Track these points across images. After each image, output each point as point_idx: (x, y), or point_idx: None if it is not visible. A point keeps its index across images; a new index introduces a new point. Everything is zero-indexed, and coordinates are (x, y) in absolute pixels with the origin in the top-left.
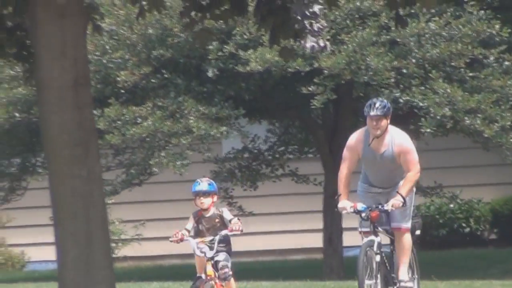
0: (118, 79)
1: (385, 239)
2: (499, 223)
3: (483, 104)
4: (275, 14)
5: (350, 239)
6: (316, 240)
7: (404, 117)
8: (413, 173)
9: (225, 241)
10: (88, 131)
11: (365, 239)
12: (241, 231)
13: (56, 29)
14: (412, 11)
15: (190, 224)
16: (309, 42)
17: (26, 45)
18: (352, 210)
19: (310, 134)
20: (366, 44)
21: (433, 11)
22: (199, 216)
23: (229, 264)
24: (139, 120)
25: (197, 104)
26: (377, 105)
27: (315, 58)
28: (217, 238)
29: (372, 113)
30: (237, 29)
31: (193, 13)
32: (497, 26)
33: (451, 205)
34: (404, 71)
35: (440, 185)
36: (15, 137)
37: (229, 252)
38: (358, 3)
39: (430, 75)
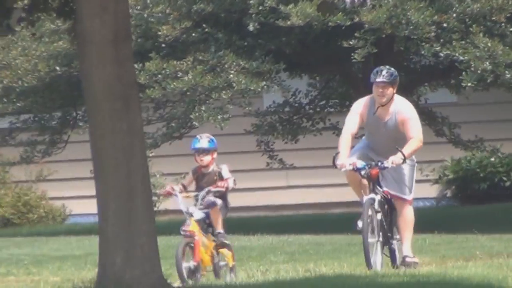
0: (159, 33)
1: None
2: None
3: None
4: None
5: None
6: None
7: (444, 71)
8: (416, 139)
9: (220, 197)
10: (129, 85)
11: (365, 197)
12: (227, 188)
13: None
14: None
15: (187, 180)
16: None
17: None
18: (351, 167)
19: (351, 88)
20: None
21: None
22: (198, 173)
23: (218, 202)
24: (180, 74)
25: (237, 59)
26: (384, 72)
27: (356, 13)
28: (201, 193)
29: (378, 80)
30: None
31: None
32: None
33: (492, 159)
34: (445, 25)
35: (481, 139)
36: (56, 91)
37: (225, 209)
38: None
39: (470, 29)
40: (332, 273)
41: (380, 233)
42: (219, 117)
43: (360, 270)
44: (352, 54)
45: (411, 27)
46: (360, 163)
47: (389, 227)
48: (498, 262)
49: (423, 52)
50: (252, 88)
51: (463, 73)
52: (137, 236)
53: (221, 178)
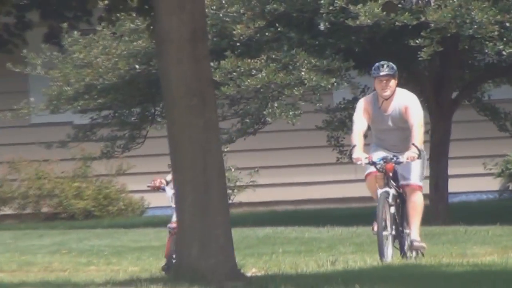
0: (234, 32)
1: None
2: None
3: None
4: None
5: (455, 185)
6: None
7: (507, 69)
8: (417, 125)
9: None
10: (205, 82)
11: (380, 191)
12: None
13: None
14: None
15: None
16: None
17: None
18: (367, 161)
19: (417, 85)
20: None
21: None
22: None
23: None
24: (254, 72)
25: (309, 57)
26: (384, 66)
27: (422, 12)
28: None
29: (382, 73)
30: None
31: None
32: None
33: None
34: (507, 24)
35: None
36: (135, 88)
37: None
38: None
39: None
40: (399, 263)
41: (393, 227)
42: (291, 113)
43: (425, 260)
44: (419, 52)
45: (475, 26)
46: (376, 157)
47: (400, 221)
48: None
49: (486, 51)
50: (322, 85)
51: None
52: (212, 228)
53: None
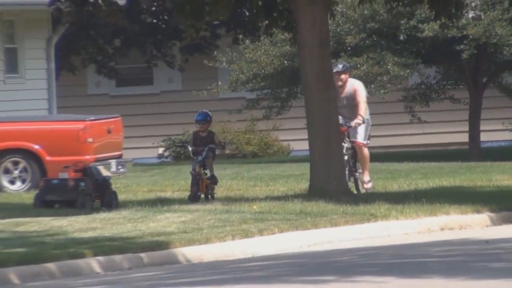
0: (346, 41)
1: None
2: None
3: None
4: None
5: (484, 136)
6: (462, 137)
7: None
8: (361, 102)
9: (212, 150)
10: (328, 73)
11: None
12: (223, 147)
13: (309, 11)
14: None
15: (190, 138)
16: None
17: (290, 20)
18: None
19: (461, 74)
20: (494, 20)
21: None
22: (197, 136)
23: (210, 155)
24: (358, 65)
25: (393, 56)
26: (338, 66)
27: (464, 28)
28: (206, 148)
29: (335, 71)
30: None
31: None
32: None
33: None
34: None
35: None
36: (284, 76)
37: (213, 157)
38: None
39: None
40: (450, 185)
41: (347, 168)
42: (381, 91)
43: (467, 183)
44: (462, 53)
45: (498, 37)
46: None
47: (354, 164)
48: None
49: (504, 53)
50: (401, 74)
51: None
52: (332, 163)
53: (212, 140)
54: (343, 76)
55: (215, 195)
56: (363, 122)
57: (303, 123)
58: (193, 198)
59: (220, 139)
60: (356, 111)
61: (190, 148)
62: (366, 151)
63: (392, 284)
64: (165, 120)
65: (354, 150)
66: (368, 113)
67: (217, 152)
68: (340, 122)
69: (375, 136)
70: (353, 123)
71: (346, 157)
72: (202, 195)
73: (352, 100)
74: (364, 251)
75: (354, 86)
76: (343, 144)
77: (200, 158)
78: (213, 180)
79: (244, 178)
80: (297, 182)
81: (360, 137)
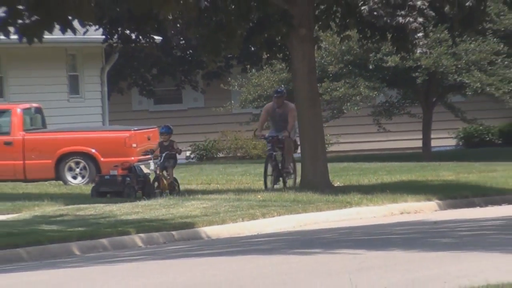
0: (329, 70)
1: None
2: None
3: None
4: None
5: (434, 143)
6: (417, 143)
7: (459, 87)
8: (291, 123)
9: (172, 156)
10: (315, 93)
11: (268, 152)
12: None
13: (300, 47)
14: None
15: (156, 147)
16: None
17: (286, 54)
18: (263, 137)
19: (416, 95)
20: (441, 54)
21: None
22: (162, 144)
23: (172, 171)
24: (337, 88)
25: (364, 81)
26: (278, 90)
27: (418, 60)
28: (163, 154)
29: (275, 95)
30: (383, 46)
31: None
32: None
33: None
34: (459, 66)
35: None
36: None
37: (174, 163)
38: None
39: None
40: (408, 179)
41: (275, 171)
42: (355, 108)
43: (421, 178)
44: (417, 79)
45: (444, 67)
46: (269, 134)
47: (282, 166)
48: None
49: (449, 78)
50: (370, 94)
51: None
52: (318, 163)
53: (172, 148)
54: (280, 100)
55: (174, 191)
56: (289, 136)
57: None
58: (153, 194)
59: (177, 147)
60: (285, 126)
61: (152, 155)
62: (292, 145)
63: (364, 255)
64: (191, 130)
65: (283, 156)
66: (296, 129)
67: (178, 157)
68: (273, 134)
69: (351, 142)
70: (282, 135)
71: (274, 163)
72: (167, 191)
73: (285, 117)
74: (342, 230)
75: (290, 107)
76: (273, 152)
77: (159, 162)
78: (172, 185)
79: (251, 174)
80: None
81: (289, 147)
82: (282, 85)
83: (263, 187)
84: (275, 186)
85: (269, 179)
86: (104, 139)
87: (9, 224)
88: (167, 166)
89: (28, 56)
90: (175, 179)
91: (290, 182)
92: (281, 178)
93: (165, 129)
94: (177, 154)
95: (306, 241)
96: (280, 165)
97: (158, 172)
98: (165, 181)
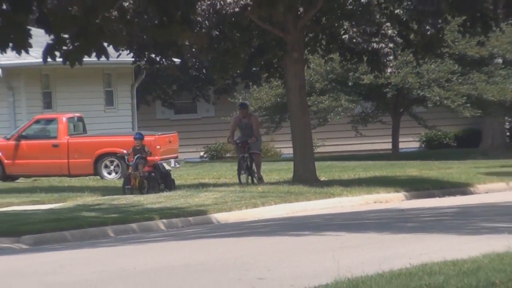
0: (316, 86)
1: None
2: None
3: None
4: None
5: (400, 145)
6: (387, 146)
7: (421, 100)
8: (256, 130)
9: (144, 158)
10: (304, 105)
11: (240, 155)
12: (148, 155)
13: (293, 68)
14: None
15: (131, 151)
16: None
17: (281, 73)
18: (234, 142)
19: (386, 107)
20: (407, 73)
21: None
22: (135, 149)
23: (142, 169)
24: (322, 101)
25: (344, 96)
26: (242, 104)
27: (388, 78)
28: (136, 157)
29: (240, 108)
30: (360, 67)
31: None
32: None
33: None
34: (422, 83)
35: None
36: (277, 107)
37: (145, 163)
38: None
39: (433, 88)
40: (380, 175)
41: (247, 171)
42: (337, 117)
43: (391, 174)
44: (387, 94)
45: (409, 83)
46: (239, 140)
47: (251, 166)
48: None
49: (413, 93)
50: (350, 106)
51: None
52: (307, 161)
53: (143, 151)
54: (244, 111)
55: (143, 189)
56: (257, 140)
57: (289, 137)
58: (126, 190)
59: (148, 150)
60: (251, 133)
61: (126, 157)
62: (259, 158)
63: (344, 237)
64: (204, 135)
65: (251, 158)
66: (260, 135)
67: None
68: (242, 140)
69: (334, 145)
70: (250, 140)
71: (245, 164)
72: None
73: (250, 126)
74: (326, 216)
75: (254, 118)
76: (244, 154)
77: (131, 163)
78: (142, 184)
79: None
80: (285, 173)
81: (256, 149)
82: (247, 101)
83: (238, 181)
84: (244, 182)
85: (243, 177)
86: (134, 142)
87: (56, 211)
88: (138, 166)
89: (72, 74)
90: (172, 179)
91: (255, 180)
92: (250, 176)
93: (138, 135)
94: (146, 156)
95: (298, 225)
96: (249, 163)
97: (130, 171)
98: (136, 180)
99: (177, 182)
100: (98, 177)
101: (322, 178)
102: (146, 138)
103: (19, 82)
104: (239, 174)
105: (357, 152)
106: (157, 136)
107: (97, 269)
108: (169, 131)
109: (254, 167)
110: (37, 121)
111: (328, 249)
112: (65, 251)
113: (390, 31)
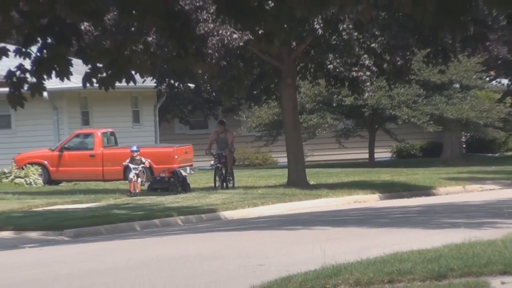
0: (306, 106)
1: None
2: None
3: None
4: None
5: (377, 155)
6: (365, 155)
7: (393, 118)
8: (230, 143)
9: (144, 167)
10: (297, 123)
11: (216, 165)
12: (146, 165)
13: (287, 91)
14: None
15: (129, 160)
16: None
17: (277, 96)
18: (212, 154)
19: (364, 123)
20: (381, 96)
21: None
22: (132, 159)
23: (140, 179)
24: (312, 119)
25: (330, 114)
26: (221, 120)
27: (366, 100)
28: (139, 167)
29: (219, 124)
30: (342, 91)
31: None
32: None
33: None
34: (394, 104)
35: None
36: (275, 124)
37: (144, 171)
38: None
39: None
40: (359, 179)
41: (221, 178)
42: (324, 132)
43: (368, 179)
44: (365, 113)
45: (383, 105)
46: (216, 152)
47: (226, 173)
48: None
49: (387, 112)
50: (334, 123)
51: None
52: (298, 168)
53: (142, 162)
54: (222, 127)
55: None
56: (231, 152)
57: (284, 148)
58: (131, 194)
59: (145, 160)
60: (226, 146)
61: (129, 165)
62: (232, 156)
63: (329, 230)
64: (214, 147)
65: (226, 167)
66: (234, 148)
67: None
68: (218, 152)
69: (321, 155)
70: (226, 152)
71: (219, 173)
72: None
73: (226, 140)
74: (315, 214)
75: (229, 133)
76: (219, 165)
77: (135, 171)
78: (141, 183)
79: (254, 176)
80: (281, 178)
81: (230, 161)
82: (225, 118)
83: (214, 185)
84: (220, 189)
85: (217, 183)
86: (156, 153)
87: (92, 209)
88: (139, 174)
89: (106, 97)
90: (188, 183)
91: (230, 184)
92: (224, 183)
93: (136, 148)
94: (144, 165)
95: (291, 221)
96: (223, 172)
97: (132, 177)
98: (137, 186)
99: (192, 186)
100: (127, 181)
101: (312, 182)
102: (167, 150)
103: (62, 103)
104: (214, 181)
105: (340, 160)
106: (175, 148)
107: (126, 257)
108: (185, 144)
109: (228, 175)
110: (77, 135)
111: (316, 241)
112: (100, 242)
113: (367, 62)
